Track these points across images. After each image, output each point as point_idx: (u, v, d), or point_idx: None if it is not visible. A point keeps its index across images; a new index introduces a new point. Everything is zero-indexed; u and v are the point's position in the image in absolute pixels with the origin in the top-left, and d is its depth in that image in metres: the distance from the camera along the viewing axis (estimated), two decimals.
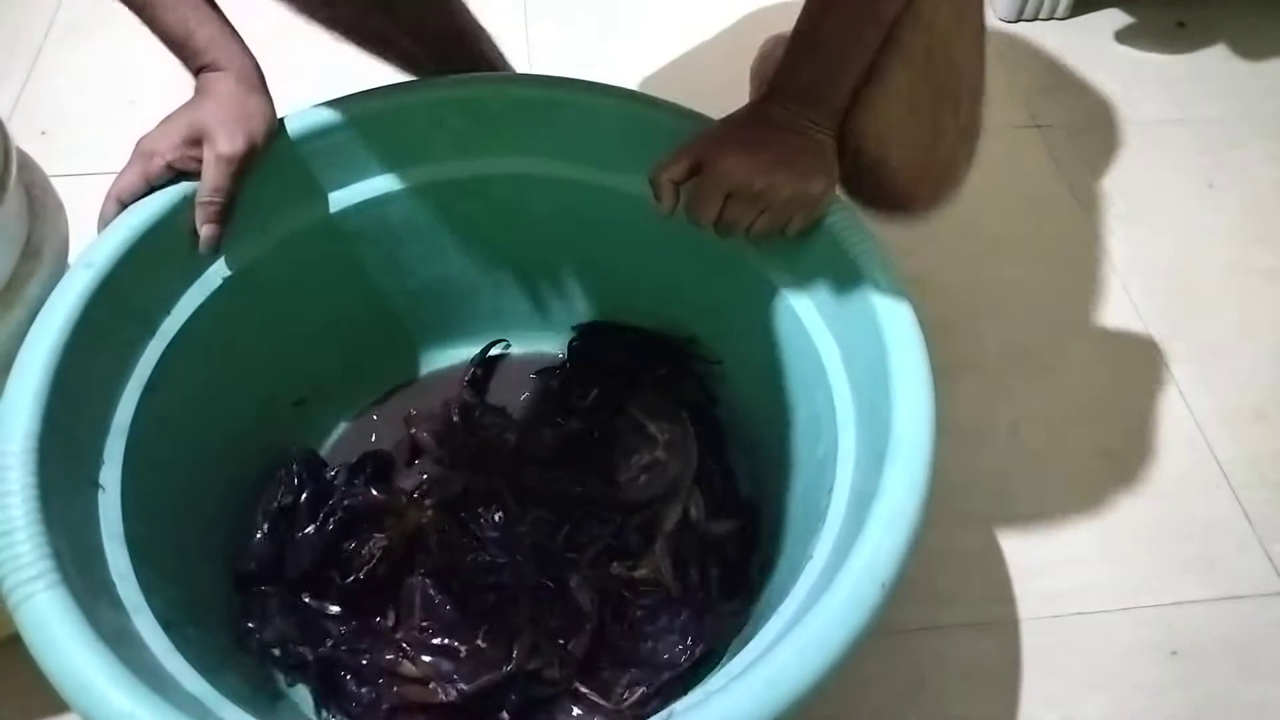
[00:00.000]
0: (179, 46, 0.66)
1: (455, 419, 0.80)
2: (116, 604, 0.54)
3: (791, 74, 0.66)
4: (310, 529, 0.72)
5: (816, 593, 0.52)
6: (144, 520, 0.60)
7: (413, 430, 0.80)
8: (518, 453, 0.78)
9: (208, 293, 0.68)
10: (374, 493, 0.74)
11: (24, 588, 0.49)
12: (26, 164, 0.69)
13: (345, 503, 0.73)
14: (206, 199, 0.65)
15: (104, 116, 1.14)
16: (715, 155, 0.65)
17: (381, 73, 0.88)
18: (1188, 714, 0.76)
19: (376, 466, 0.78)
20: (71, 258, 0.70)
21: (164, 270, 0.66)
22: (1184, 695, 0.76)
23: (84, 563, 0.53)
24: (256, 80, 0.66)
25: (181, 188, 0.66)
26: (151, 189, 0.65)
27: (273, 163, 0.69)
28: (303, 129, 0.70)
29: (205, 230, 0.66)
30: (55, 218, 0.69)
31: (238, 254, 0.70)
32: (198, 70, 0.66)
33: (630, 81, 1.15)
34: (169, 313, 0.67)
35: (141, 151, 0.65)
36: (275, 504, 0.72)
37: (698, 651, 0.65)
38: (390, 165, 0.75)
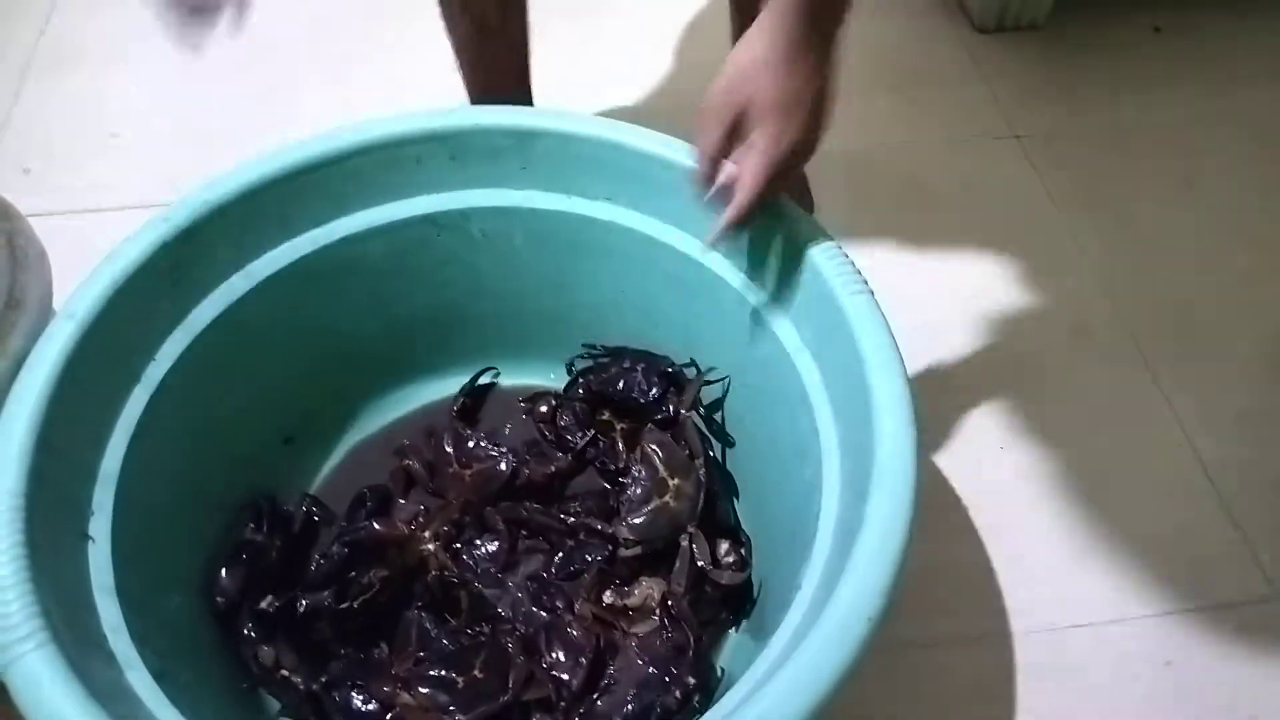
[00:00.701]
0: None
1: (448, 449, 0.80)
2: (109, 659, 0.54)
3: None
4: (320, 562, 0.73)
5: (805, 626, 0.53)
6: (135, 569, 0.60)
7: (405, 462, 0.81)
8: (511, 482, 0.79)
9: (191, 336, 0.69)
10: (376, 526, 0.74)
11: (14, 648, 0.49)
12: (7, 213, 0.69)
13: (347, 538, 0.73)
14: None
15: (87, 151, 1.15)
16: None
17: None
18: None
19: (376, 500, 0.78)
20: (57, 300, 0.71)
21: (147, 317, 0.66)
22: (1178, 705, 0.77)
23: (75, 618, 0.54)
24: None
25: (159, 230, 0.66)
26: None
27: (252, 205, 0.70)
28: (280, 169, 0.71)
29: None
30: (38, 266, 0.69)
31: (220, 298, 0.70)
32: None
33: (613, 96, 1.15)
34: (154, 359, 0.67)
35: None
36: (240, 537, 0.72)
37: (690, 684, 0.65)
38: (369, 201, 0.75)
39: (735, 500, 0.79)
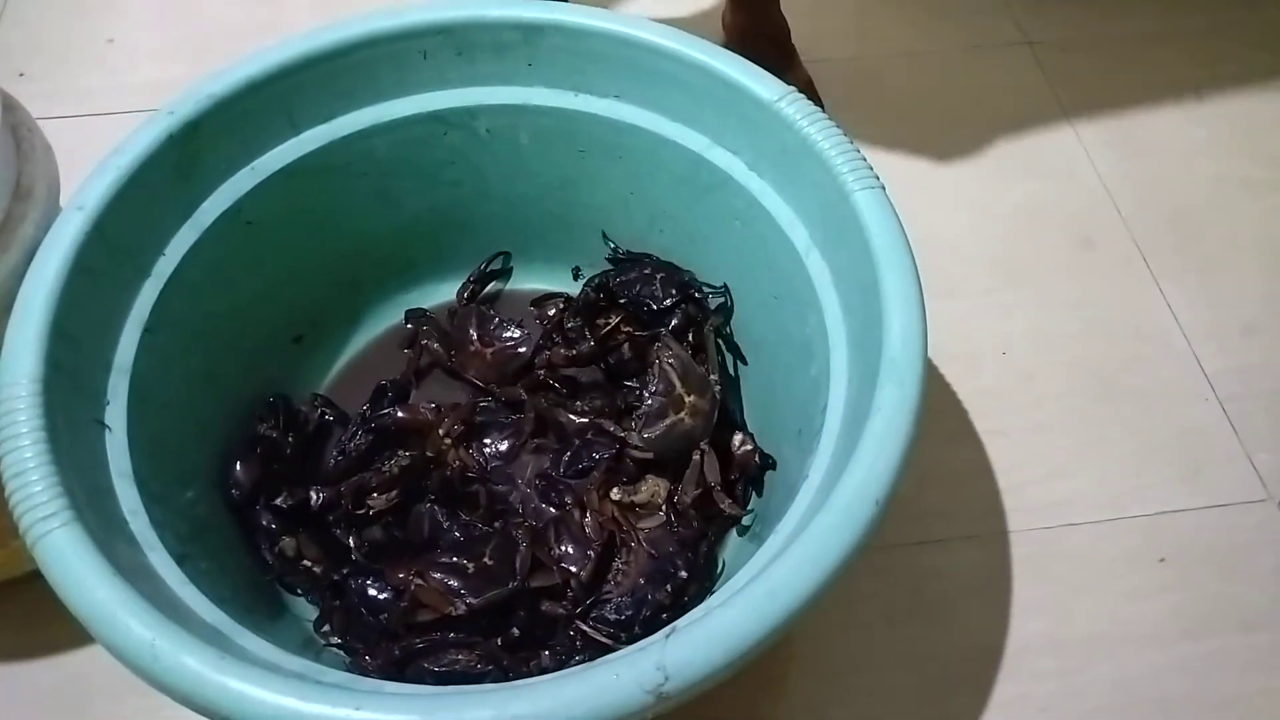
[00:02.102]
0: None
1: (471, 329, 0.80)
2: (130, 540, 0.55)
3: None
4: (338, 458, 0.74)
5: (813, 510, 0.54)
6: (150, 458, 0.61)
7: (423, 342, 0.81)
8: (531, 364, 0.79)
9: (199, 232, 0.68)
10: (401, 413, 0.75)
11: (41, 525, 0.50)
12: (11, 105, 0.69)
13: (374, 423, 0.74)
14: None
15: (83, 55, 1.13)
16: None
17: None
18: (1174, 617, 0.78)
19: (398, 391, 0.79)
20: (63, 200, 0.70)
21: (156, 211, 0.66)
22: (1171, 600, 0.79)
23: (96, 501, 0.55)
24: None
25: (165, 123, 0.66)
26: None
27: (257, 99, 0.69)
28: (285, 61, 0.69)
29: None
30: (45, 158, 0.68)
31: (227, 193, 0.70)
32: None
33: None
34: (163, 253, 0.67)
35: None
36: (253, 432, 0.73)
37: (682, 576, 0.67)
38: (375, 97, 0.74)
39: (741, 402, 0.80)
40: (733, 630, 0.47)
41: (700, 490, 0.71)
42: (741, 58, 0.70)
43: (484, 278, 0.85)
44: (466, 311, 0.82)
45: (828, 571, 0.49)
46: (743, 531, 0.72)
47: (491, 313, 0.81)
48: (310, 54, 0.70)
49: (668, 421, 0.72)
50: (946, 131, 1.08)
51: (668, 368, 0.73)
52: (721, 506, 0.71)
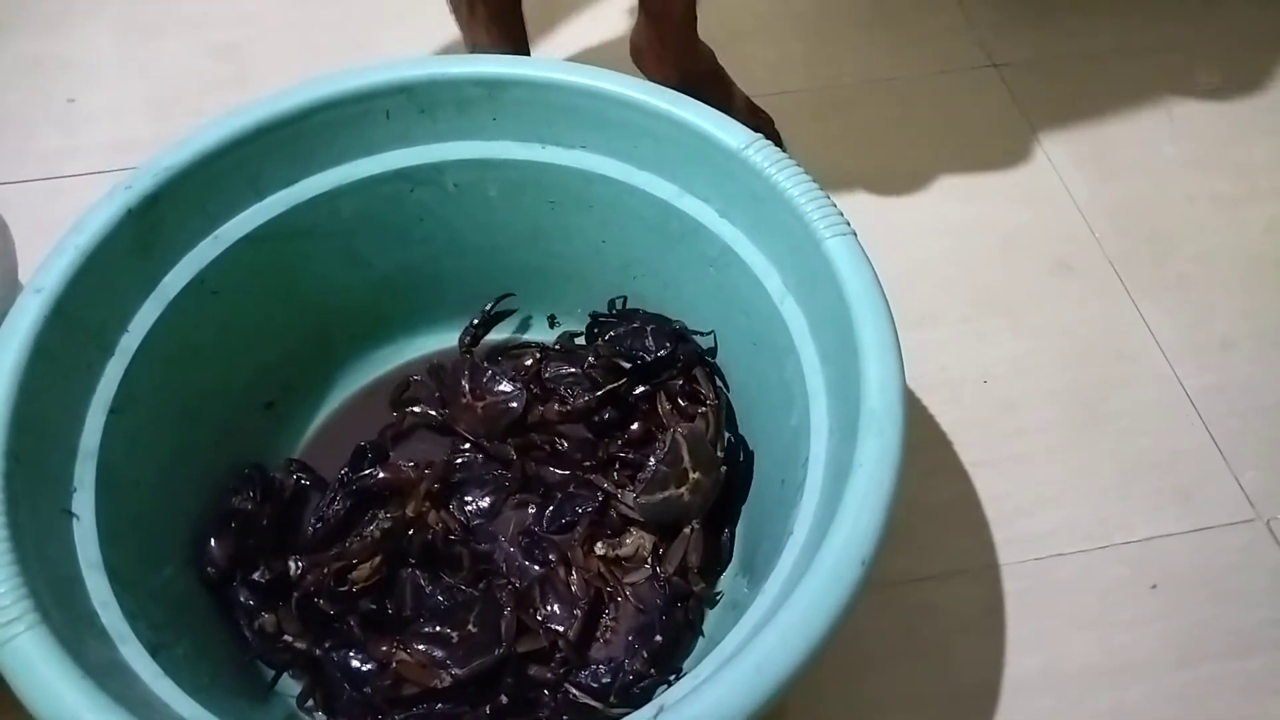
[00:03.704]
0: None
1: (463, 380, 0.78)
2: (101, 635, 0.54)
3: None
4: (317, 525, 0.72)
5: (799, 571, 0.53)
6: (120, 543, 0.60)
7: (407, 395, 0.81)
8: (523, 419, 0.77)
9: (163, 305, 0.67)
10: (383, 474, 0.74)
11: (4, 630, 0.48)
12: None
13: (355, 486, 0.73)
14: None
15: (44, 117, 1.11)
16: None
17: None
18: (1168, 644, 0.77)
19: (377, 453, 0.78)
20: (22, 273, 0.69)
21: (117, 287, 0.65)
22: (1164, 627, 0.78)
23: (64, 597, 0.53)
24: None
25: (122, 198, 0.65)
26: None
27: (216, 168, 0.68)
28: (244, 128, 0.68)
29: None
30: (1, 238, 0.67)
31: (190, 264, 0.68)
32: None
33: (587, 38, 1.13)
34: (126, 329, 0.66)
35: None
36: (227, 506, 0.72)
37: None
38: (338, 158, 0.73)
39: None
40: (722, 707, 0.46)
41: (678, 568, 0.70)
42: (707, 106, 0.70)
43: (488, 321, 0.83)
44: (460, 363, 0.80)
45: (816, 640, 0.48)
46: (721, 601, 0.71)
47: (485, 366, 0.80)
48: (270, 119, 0.69)
49: (666, 494, 0.70)
50: (917, 158, 1.08)
51: (679, 439, 0.71)
52: (694, 589, 0.69)
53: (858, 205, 0.88)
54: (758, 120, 1.03)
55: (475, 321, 0.83)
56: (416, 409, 0.81)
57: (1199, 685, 0.76)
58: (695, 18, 0.95)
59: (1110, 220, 1.02)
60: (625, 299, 0.81)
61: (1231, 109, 1.12)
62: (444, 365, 0.83)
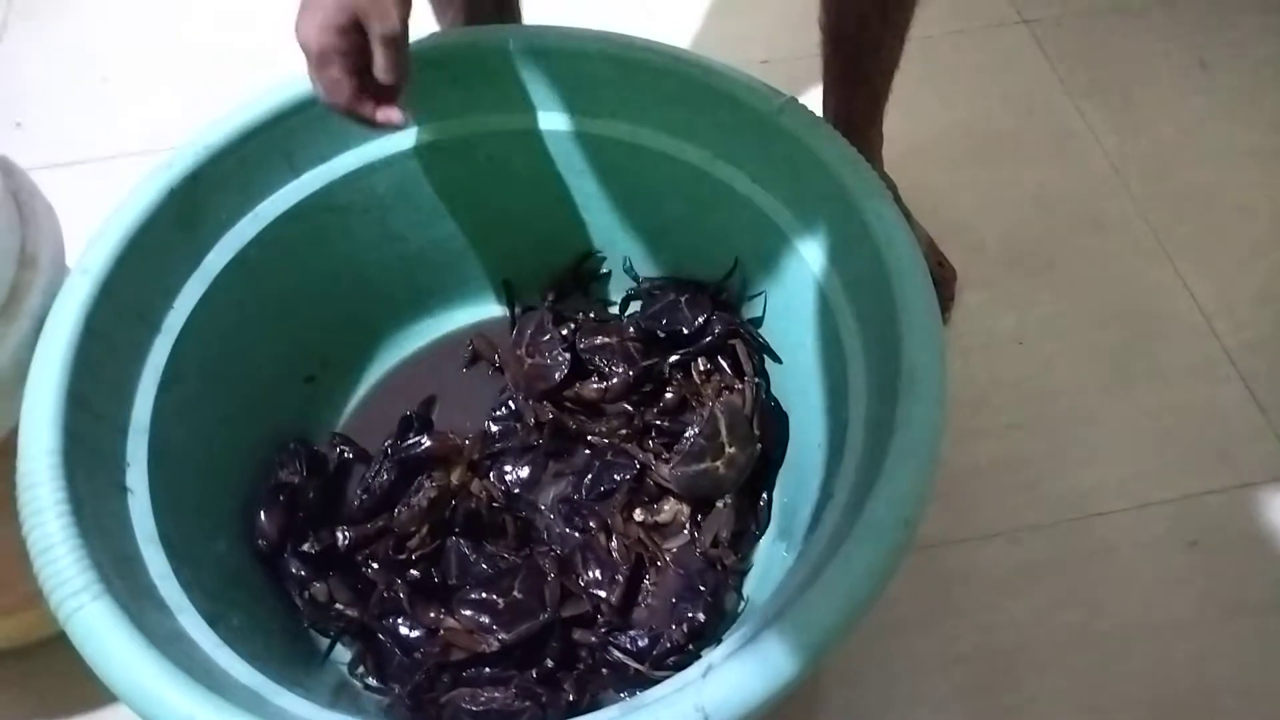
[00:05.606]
0: None
1: (528, 329, 0.79)
2: (161, 606, 0.55)
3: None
4: (363, 497, 0.74)
5: (840, 534, 0.53)
6: (174, 517, 0.61)
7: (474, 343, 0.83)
8: (560, 389, 0.78)
9: (207, 283, 0.68)
10: (429, 441, 0.75)
11: (71, 601, 0.50)
12: (10, 169, 0.68)
13: (403, 454, 0.74)
14: (389, 79, 0.61)
15: (79, 98, 1.12)
16: None
17: None
18: (1207, 601, 0.78)
19: (421, 423, 0.79)
20: (69, 259, 0.70)
21: (162, 266, 0.66)
22: (1204, 584, 0.78)
23: (124, 569, 0.55)
24: None
25: (164, 177, 0.65)
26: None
27: (254, 145, 0.68)
28: (279, 106, 0.69)
29: (393, 115, 0.63)
30: (48, 221, 0.68)
31: (232, 241, 0.69)
32: None
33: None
34: (172, 307, 0.67)
35: (310, 53, 0.60)
36: (275, 480, 0.73)
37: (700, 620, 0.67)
38: (370, 134, 0.73)
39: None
40: (768, 665, 0.47)
41: (713, 540, 0.71)
42: (738, 69, 0.69)
43: (578, 277, 0.83)
44: (533, 315, 0.81)
45: (861, 600, 0.49)
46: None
47: (549, 326, 0.79)
48: (305, 96, 0.69)
49: (703, 466, 0.70)
50: (947, 117, 1.06)
51: (718, 413, 0.71)
52: (725, 562, 0.70)
53: (889, 167, 0.87)
54: (941, 273, 0.93)
55: (561, 277, 0.82)
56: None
57: (1238, 641, 0.76)
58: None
59: (1143, 176, 1.01)
60: (658, 268, 0.81)
61: (1264, 60, 1.10)
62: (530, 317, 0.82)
